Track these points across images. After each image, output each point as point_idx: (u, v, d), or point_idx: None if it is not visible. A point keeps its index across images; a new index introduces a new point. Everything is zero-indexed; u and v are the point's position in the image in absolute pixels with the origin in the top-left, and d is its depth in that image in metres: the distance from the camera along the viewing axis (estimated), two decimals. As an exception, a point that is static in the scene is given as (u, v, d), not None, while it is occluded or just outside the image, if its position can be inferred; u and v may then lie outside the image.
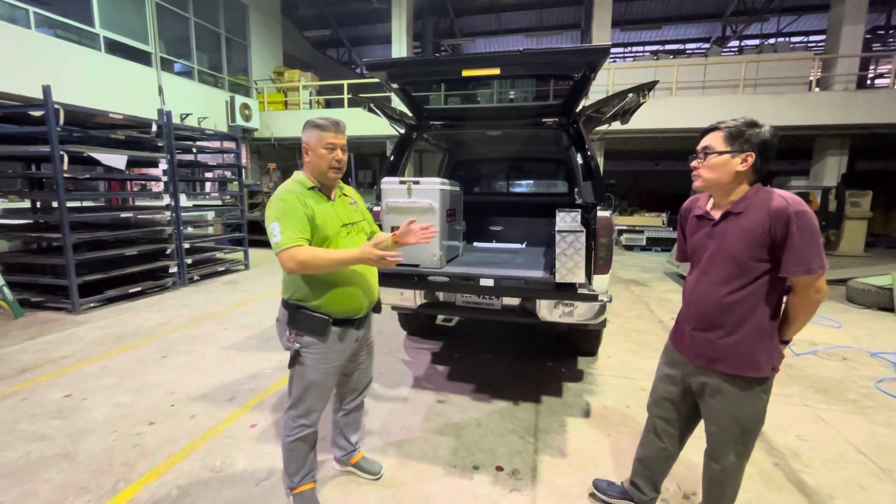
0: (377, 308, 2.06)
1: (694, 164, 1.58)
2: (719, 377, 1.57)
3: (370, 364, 2.15)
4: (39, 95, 4.59)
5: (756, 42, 16.00)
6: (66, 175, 4.74)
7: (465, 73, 2.63)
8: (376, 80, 2.98)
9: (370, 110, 3.26)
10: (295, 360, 1.82)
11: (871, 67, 15.55)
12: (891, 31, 15.44)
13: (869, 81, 15.01)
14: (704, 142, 1.55)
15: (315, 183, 1.82)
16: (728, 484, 1.68)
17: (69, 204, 4.96)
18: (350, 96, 12.07)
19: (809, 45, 17.06)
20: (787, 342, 1.56)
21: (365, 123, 7.65)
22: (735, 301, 1.50)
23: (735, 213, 1.51)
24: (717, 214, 1.57)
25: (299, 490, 1.96)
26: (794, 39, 16.51)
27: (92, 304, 5.20)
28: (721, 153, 1.49)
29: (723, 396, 1.57)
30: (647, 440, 1.92)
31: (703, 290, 1.59)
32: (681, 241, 1.82)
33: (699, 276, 1.62)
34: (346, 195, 1.97)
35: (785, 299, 1.55)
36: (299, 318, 1.79)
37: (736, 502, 2.04)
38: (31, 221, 6.09)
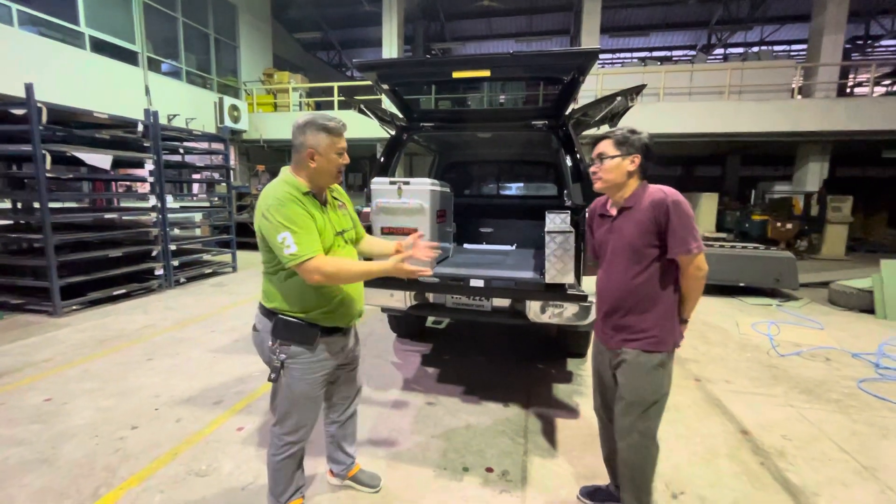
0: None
1: (593, 168, 1.78)
2: (628, 354, 1.71)
3: (357, 371, 2.05)
4: (22, 94, 4.49)
5: (740, 50, 16.35)
6: (48, 175, 4.64)
7: (456, 74, 2.63)
8: (367, 83, 2.98)
9: (361, 111, 3.25)
10: (278, 372, 1.68)
11: (851, 76, 15.97)
12: (869, 42, 15.90)
13: (849, 90, 15.42)
14: (598, 149, 1.75)
15: (310, 188, 1.66)
16: (637, 464, 1.74)
17: (51, 204, 4.85)
18: (341, 98, 12.02)
19: (792, 53, 17.47)
20: (685, 321, 1.76)
21: (355, 126, 7.55)
22: (639, 283, 1.69)
23: (628, 207, 1.72)
24: (614, 211, 1.79)
25: None
26: (776, 48, 16.90)
27: (74, 307, 5.09)
28: (613, 157, 1.71)
29: (629, 370, 1.71)
30: (602, 437, 2.03)
31: (611, 279, 1.77)
32: (589, 239, 2.01)
33: (607, 267, 1.80)
34: (335, 198, 1.85)
35: None
36: (285, 327, 1.66)
37: (723, 502, 2.06)
38: (12, 222, 5.95)
